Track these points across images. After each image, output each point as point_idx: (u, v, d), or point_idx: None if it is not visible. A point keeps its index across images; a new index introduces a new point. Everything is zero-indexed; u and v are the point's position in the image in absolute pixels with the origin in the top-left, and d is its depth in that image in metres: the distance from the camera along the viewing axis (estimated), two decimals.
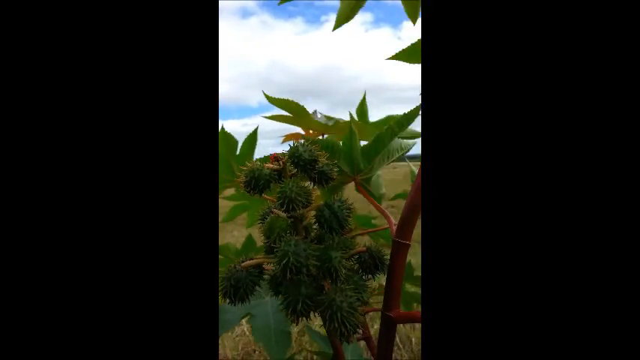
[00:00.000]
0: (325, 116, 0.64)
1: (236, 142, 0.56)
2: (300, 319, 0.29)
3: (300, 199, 0.31)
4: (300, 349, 1.04)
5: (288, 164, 0.34)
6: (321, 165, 0.33)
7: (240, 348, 1.19)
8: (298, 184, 0.31)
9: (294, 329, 1.19)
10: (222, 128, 0.55)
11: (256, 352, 1.12)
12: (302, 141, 0.32)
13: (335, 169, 0.34)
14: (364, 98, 0.61)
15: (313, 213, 0.33)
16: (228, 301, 0.30)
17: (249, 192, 0.33)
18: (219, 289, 0.31)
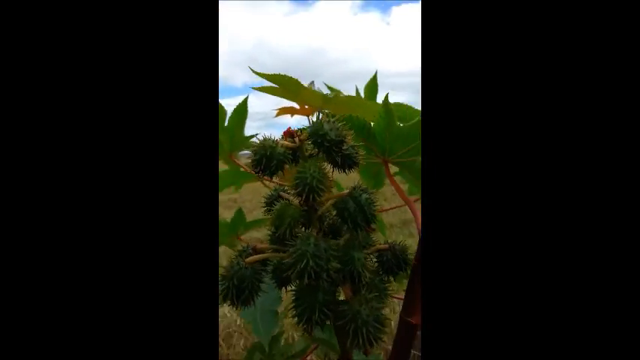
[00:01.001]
0: (329, 87, 0.57)
1: (224, 111, 0.50)
2: (315, 327, 0.25)
3: (321, 187, 0.25)
4: (282, 331, 1.02)
5: (306, 143, 0.28)
6: (346, 147, 0.27)
7: (220, 329, 1.17)
8: (320, 170, 0.26)
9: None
10: None
11: (236, 334, 1.11)
12: (327, 116, 0.26)
13: (362, 153, 0.28)
14: (375, 76, 0.54)
15: (330, 202, 0.28)
16: (229, 303, 0.26)
17: (257, 172, 0.27)
18: (220, 289, 0.26)
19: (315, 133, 0.25)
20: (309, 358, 0.50)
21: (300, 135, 0.28)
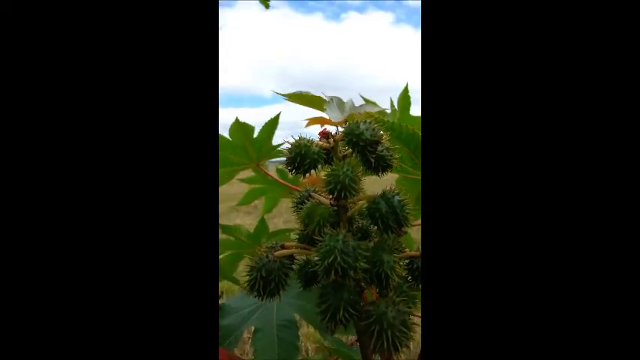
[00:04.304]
0: (365, 99, 0.58)
1: (252, 128, 0.52)
2: (338, 327, 0.25)
3: (353, 185, 0.26)
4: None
5: (341, 144, 0.28)
6: (381, 148, 0.27)
7: None
8: (354, 170, 0.26)
9: None
10: (237, 119, 0.51)
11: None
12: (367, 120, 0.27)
13: (396, 155, 0.29)
14: (406, 88, 0.55)
15: (362, 203, 0.28)
16: (255, 294, 0.26)
17: (291, 170, 0.28)
18: (247, 279, 0.26)
19: (350, 132, 0.26)
20: None
21: (335, 136, 0.29)
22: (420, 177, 0.36)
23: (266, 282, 0.26)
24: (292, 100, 0.51)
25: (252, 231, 0.60)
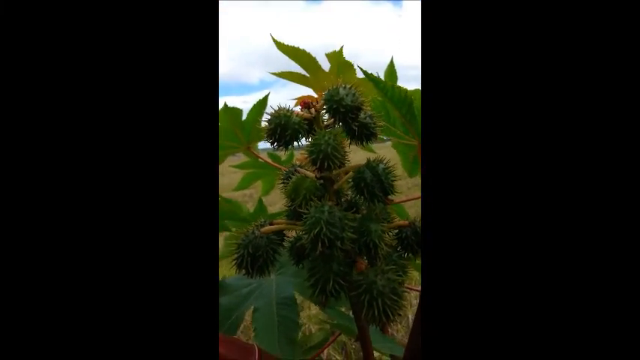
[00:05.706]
0: (364, 71, 0.57)
1: (240, 111, 0.51)
2: (329, 300, 0.24)
3: (337, 155, 0.25)
4: (300, 323, 1.00)
5: (322, 113, 0.27)
6: (364, 115, 0.26)
7: None
8: (336, 138, 0.25)
9: None
10: (225, 104, 0.50)
11: None
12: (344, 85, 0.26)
13: (380, 123, 0.27)
14: (392, 62, 0.54)
15: (348, 175, 0.28)
16: (243, 272, 0.26)
17: (272, 143, 0.27)
18: (234, 257, 0.26)
19: (330, 98, 0.25)
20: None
21: (316, 105, 0.28)
22: (412, 142, 0.35)
23: (254, 259, 0.25)
24: (282, 76, 0.50)
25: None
